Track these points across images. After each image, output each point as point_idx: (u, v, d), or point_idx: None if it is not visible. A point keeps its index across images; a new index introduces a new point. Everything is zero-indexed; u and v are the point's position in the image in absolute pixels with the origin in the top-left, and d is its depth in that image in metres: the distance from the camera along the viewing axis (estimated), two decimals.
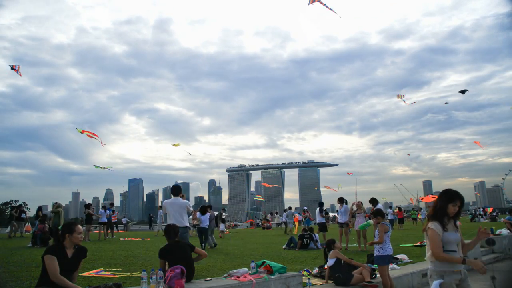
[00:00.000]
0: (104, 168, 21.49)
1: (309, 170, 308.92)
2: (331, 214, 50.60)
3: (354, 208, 12.80)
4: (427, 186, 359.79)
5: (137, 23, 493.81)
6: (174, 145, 26.89)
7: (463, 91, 21.32)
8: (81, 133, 16.54)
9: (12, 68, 16.16)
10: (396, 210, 28.49)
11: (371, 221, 8.25)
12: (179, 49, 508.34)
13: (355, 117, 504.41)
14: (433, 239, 3.34)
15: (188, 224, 8.13)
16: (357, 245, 12.23)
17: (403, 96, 22.87)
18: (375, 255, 6.21)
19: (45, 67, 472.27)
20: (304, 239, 12.90)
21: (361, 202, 13.24)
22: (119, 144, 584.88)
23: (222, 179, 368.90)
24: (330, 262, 6.59)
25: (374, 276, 6.57)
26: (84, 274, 6.65)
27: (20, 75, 17.48)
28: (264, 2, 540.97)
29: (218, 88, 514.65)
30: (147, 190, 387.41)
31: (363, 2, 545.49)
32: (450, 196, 3.42)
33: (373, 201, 12.36)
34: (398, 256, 9.36)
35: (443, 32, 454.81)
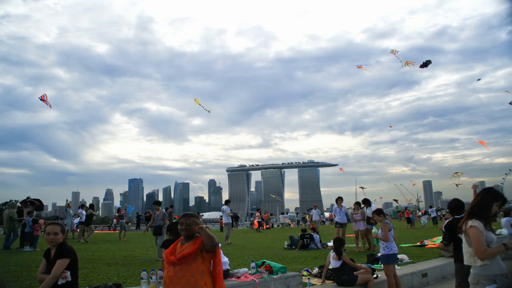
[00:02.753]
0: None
1: (309, 170, 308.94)
2: (327, 214, 50.78)
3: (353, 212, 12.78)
4: (427, 186, 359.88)
5: (118, 23, 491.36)
6: (195, 100, 25.46)
7: (425, 64, 19.88)
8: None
9: (41, 99, 15.95)
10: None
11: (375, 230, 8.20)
12: (162, 48, 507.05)
13: (347, 117, 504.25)
14: (478, 238, 3.07)
15: None
16: (355, 246, 12.23)
17: (397, 52, 21.37)
18: (380, 254, 6.29)
19: (30, 67, 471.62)
20: (304, 239, 12.89)
21: (359, 203, 13.15)
22: (111, 144, 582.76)
23: (222, 179, 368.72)
24: (335, 264, 6.48)
25: (376, 276, 6.60)
26: None
27: (50, 106, 17.29)
28: (246, 1, 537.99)
29: (206, 87, 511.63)
30: (147, 190, 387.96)
31: (344, 0, 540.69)
32: (495, 195, 3.30)
33: (366, 202, 12.39)
34: (398, 256, 9.36)
35: (429, 31, 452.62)
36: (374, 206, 12.09)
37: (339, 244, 6.74)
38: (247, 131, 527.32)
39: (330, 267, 6.65)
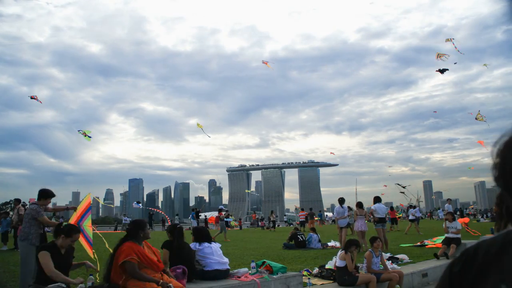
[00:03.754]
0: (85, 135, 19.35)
1: (309, 170, 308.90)
2: (329, 214, 50.53)
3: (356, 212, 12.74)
4: (428, 186, 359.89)
5: (111, 22, 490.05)
6: (198, 125, 26.11)
7: (442, 71, 19.94)
8: None
9: (32, 98, 16.97)
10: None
11: None
12: (156, 48, 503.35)
13: (344, 117, 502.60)
14: None
15: None
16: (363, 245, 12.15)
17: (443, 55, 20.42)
18: None
19: (25, 67, 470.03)
20: (298, 236, 13.05)
21: (361, 203, 13.09)
22: (109, 144, 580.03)
23: (222, 179, 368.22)
24: (340, 263, 6.42)
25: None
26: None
27: (41, 102, 18.60)
28: (238, 1, 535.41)
29: (201, 87, 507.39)
30: (147, 190, 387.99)
31: (337, 0, 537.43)
32: None
33: (378, 199, 12.30)
34: (398, 256, 9.34)
35: (424, 31, 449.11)
36: (380, 204, 12.03)
37: (348, 244, 6.61)
38: (244, 131, 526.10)
39: (333, 266, 6.65)
